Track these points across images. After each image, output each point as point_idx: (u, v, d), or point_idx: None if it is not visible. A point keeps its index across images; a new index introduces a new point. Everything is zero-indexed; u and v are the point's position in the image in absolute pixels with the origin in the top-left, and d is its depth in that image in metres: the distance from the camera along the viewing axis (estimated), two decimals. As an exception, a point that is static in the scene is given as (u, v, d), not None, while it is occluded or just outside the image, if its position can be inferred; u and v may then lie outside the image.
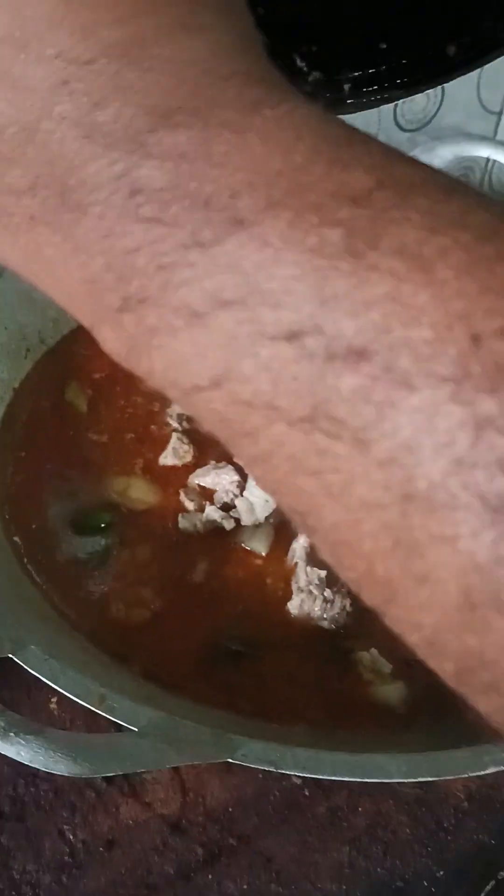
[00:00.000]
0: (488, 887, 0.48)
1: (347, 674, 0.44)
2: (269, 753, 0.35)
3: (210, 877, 0.45)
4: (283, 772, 0.35)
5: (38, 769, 0.48)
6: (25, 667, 0.38)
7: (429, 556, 0.16)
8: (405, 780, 0.35)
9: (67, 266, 0.20)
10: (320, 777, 0.35)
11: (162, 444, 0.53)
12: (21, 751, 0.31)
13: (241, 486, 0.49)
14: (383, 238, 0.16)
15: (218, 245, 0.18)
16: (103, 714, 0.37)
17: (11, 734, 0.32)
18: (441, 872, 0.46)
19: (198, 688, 0.41)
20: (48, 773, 0.48)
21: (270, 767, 0.35)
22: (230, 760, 0.35)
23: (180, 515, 0.49)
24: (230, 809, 0.48)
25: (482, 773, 0.35)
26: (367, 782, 0.47)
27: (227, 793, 0.48)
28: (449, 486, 0.15)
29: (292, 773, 0.35)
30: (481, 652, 0.16)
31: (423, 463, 0.15)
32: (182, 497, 0.50)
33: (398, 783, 0.48)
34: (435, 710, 0.42)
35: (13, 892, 0.45)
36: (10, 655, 0.38)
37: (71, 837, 0.46)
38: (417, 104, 0.75)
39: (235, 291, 0.18)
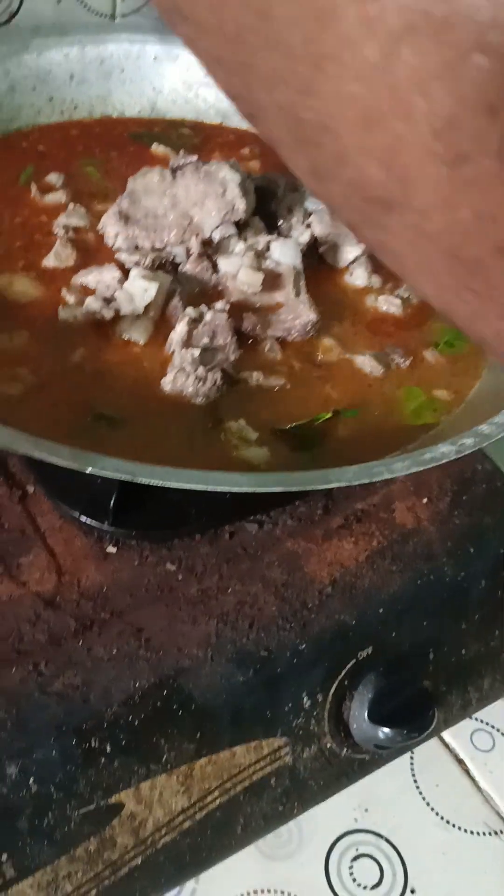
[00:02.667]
0: (349, 664, 0.50)
1: (216, 441, 0.45)
2: (126, 466, 0.37)
3: (80, 643, 0.46)
4: (139, 480, 0.36)
5: None
6: None
7: None
8: (253, 490, 0.37)
9: None
10: (175, 485, 0.37)
11: (47, 250, 0.54)
12: None
13: (122, 283, 0.50)
14: None
15: None
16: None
17: None
18: (304, 646, 0.49)
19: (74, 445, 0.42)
20: None
21: (128, 477, 0.36)
22: (89, 471, 0.36)
23: (60, 307, 0.50)
24: (104, 589, 0.49)
25: (324, 487, 0.37)
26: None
27: (103, 576, 0.49)
28: None
29: (148, 481, 0.36)
30: None
31: None
32: (63, 293, 0.51)
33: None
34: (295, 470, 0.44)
35: None
36: None
37: None
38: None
39: None
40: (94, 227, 0.56)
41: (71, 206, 0.57)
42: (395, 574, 0.52)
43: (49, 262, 0.53)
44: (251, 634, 0.48)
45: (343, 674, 0.50)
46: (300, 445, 0.45)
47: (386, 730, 0.49)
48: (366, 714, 0.49)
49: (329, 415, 0.46)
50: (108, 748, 0.43)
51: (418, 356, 0.52)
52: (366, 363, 0.50)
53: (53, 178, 0.60)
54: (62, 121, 0.66)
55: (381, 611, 0.51)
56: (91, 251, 0.54)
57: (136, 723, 0.44)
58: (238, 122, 0.69)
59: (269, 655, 0.47)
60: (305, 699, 0.49)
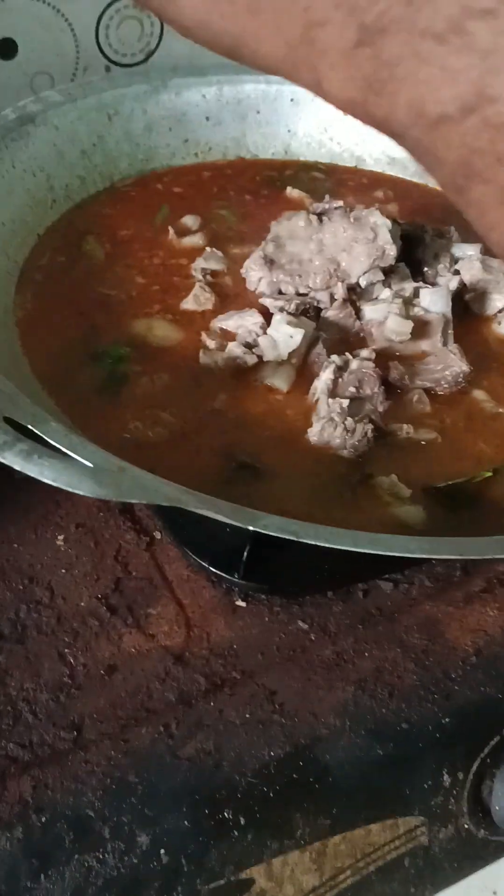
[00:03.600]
0: (493, 741, 0.47)
1: (366, 496, 0.43)
2: (290, 525, 0.35)
3: (212, 704, 0.44)
4: (304, 541, 0.34)
5: (41, 598, 0.47)
6: (45, 437, 0.37)
7: None
8: (426, 557, 0.34)
9: (290, 14, 0.19)
10: (340, 546, 0.34)
11: (185, 293, 0.53)
12: (44, 470, 0.30)
13: (264, 328, 0.49)
14: None
15: None
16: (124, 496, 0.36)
17: (35, 456, 0.31)
18: (447, 720, 0.45)
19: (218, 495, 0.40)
20: (51, 600, 0.47)
21: (292, 537, 0.34)
22: (250, 529, 0.34)
23: (201, 352, 0.49)
24: (234, 647, 0.47)
25: (501, 556, 0.34)
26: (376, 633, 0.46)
27: (232, 632, 0.47)
28: None
29: (312, 542, 0.34)
30: None
31: None
32: (204, 337, 0.50)
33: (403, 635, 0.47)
34: (453, 533, 0.41)
35: (9, 708, 0.43)
36: (31, 426, 0.37)
37: (71, 660, 0.45)
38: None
39: None
40: (232, 271, 0.55)
41: (208, 249, 0.56)
42: (543, 647, 0.48)
43: (188, 305, 0.52)
44: (391, 704, 0.45)
45: (486, 751, 0.46)
46: (456, 505, 0.42)
47: (534, 814, 0.45)
48: (511, 797, 0.45)
49: (489, 473, 0.43)
50: (241, 820, 0.41)
51: None
52: (520, 419, 0.48)
53: (189, 220, 0.59)
54: (196, 162, 0.66)
55: (527, 685, 0.47)
56: (230, 295, 0.53)
57: (271, 794, 0.41)
58: (372, 165, 0.68)
59: (410, 728, 0.44)
60: (446, 777, 0.46)
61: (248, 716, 0.44)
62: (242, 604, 0.48)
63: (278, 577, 0.49)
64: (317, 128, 0.68)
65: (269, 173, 0.66)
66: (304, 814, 0.42)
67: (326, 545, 0.34)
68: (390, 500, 0.42)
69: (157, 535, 0.51)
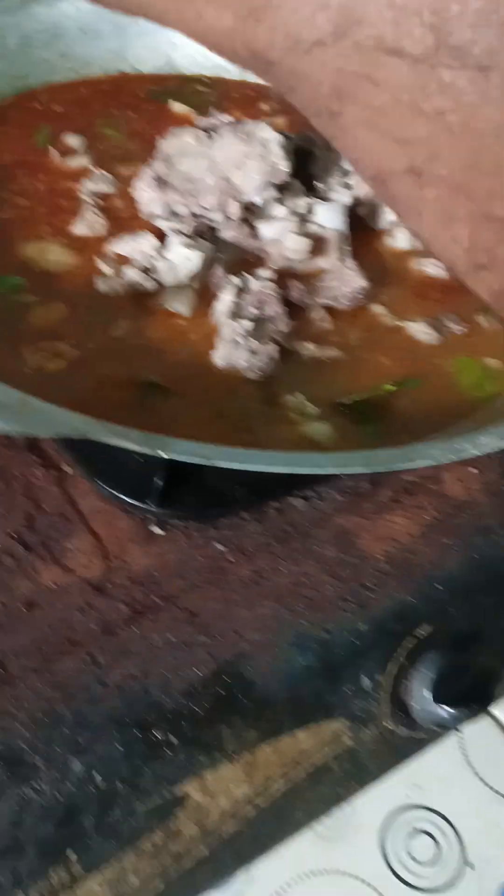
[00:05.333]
0: (408, 644, 0.49)
1: (275, 416, 0.43)
2: (201, 449, 0.34)
3: (135, 631, 0.44)
4: (217, 464, 0.34)
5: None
6: None
7: None
8: (337, 472, 0.35)
9: None
10: (254, 468, 0.34)
11: (74, 217, 0.51)
12: None
13: (161, 251, 0.48)
14: None
15: None
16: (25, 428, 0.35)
17: None
18: (364, 626, 0.47)
19: (125, 423, 0.40)
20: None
21: (203, 461, 0.34)
22: (161, 455, 0.34)
23: (98, 278, 0.47)
24: (154, 573, 0.47)
25: (410, 466, 0.35)
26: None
27: (151, 559, 0.47)
28: None
29: (226, 465, 0.34)
30: None
31: None
32: (98, 263, 0.48)
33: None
34: (362, 447, 0.42)
35: None
36: None
37: (-12, 601, 0.45)
38: None
39: None
40: (122, 192, 0.53)
41: (95, 170, 0.54)
42: (451, 549, 0.51)
43: (80, 230, 0.50)
44: (309, 616, 0.46)
45: (401, 653, 0.48)
46: (363, 420, 0.43)
47: (449, 709, 0.48)
48: (428, 694, 0.48)
49: (393, 387, 0.44)
50: (172, 739, 0.42)
51: (472, 322, 0.50)
52: (419, 331, 0.48)
53: (72, 140, 0.57)
54: (75, 79, 0.63)
55: (438, 587, 0.49)
56: (123, 218, 0.52)
57: (199, 711, 0.42)
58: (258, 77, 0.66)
59: (329, 637, 0.46)
60: (365, 680, 0.47)
61: (172, 639, 0.44)
62: (159, 531, 0.49)
63: (192, 502, 0.49)
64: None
65: (153, 88, 0.64)
66: (231, 727, 0.43)
67: (240, 467, 0.34)
68: (298, 419, 0.42)
69: (68, 469, 0.50)
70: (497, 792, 0.55)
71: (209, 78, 0.65)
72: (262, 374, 0.44)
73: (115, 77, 0.64)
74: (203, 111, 0.61)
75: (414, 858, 0.52)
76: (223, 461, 0.34)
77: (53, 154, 0.55)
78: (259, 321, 0.45)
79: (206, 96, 0.63)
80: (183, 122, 0.59)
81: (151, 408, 0.42)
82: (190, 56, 0.65)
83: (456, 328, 0.49)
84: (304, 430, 0.42)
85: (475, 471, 0.54)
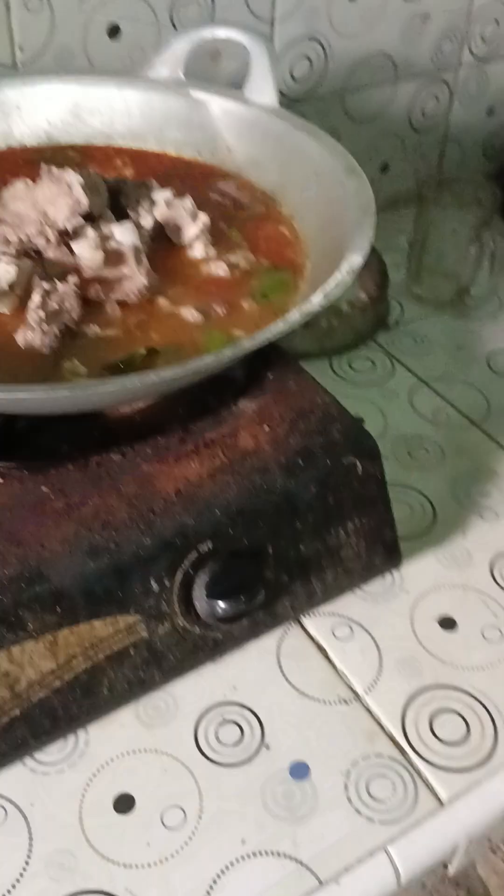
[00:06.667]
0: (190, 556, 0.62)
1: (55, 378, 0.58)
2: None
3: (-36, 547, 0.59)
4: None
5: None
6: None
7: None
8: (45, 395, 0.49)
9: None
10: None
11: None
12: None
13: (-8, 267, 0.64)
14: None
15: None
16: None
17: None
18: (148, 541, 0.60)
19: None
20: None
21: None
22: None
23: None
24: (-13, 509, 0.61)
25: (103, 389, 0.49)
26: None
27: (-13, 499, 0.62)
28: None
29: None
30: None
31: None
32: None
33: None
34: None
35: None
36: None
37: None
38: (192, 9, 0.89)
39: None
40: (-17, 233, 0.69)
41: (-35, 218, 0.71)
42: (232, 485, 0.63)
43: None
44: (103, 533, 0.60)
45: (186, 564, 0.61)
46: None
47: (221, 603, 0.60)
48: (204, 592, 0.60)
49: (144, 351, 0.58)
50: (-18, 620, 0.55)
51: (236, 306, 0.64)
52: (188, 313, 0.63)
53: (-44, 198, 0.74)
54: (-27, 155, 0.80)
55: (218, 513, 0.62)
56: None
57: (4, 600, 0.56)
58: (119, 141, 0.83)
59: (118, 548, 0.59)
60: (153, 583, 0.60)
61: (-11, 553, 0.58)
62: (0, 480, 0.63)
63: (26, 456, 0.63)
64: (70, 115, 0.83)
65: (33, 157, 0.81)
66: (33, 613, 0.57)
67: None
68: (69, 378, 0.57)
69: None
70: (297, 689, 0.67)
71: (80, 145, 0.82)
72: (51, 349, 0.59)
73: (4, 151, 0.81)
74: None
75: (220, 741, 0.64)
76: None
77: None
78: (55, 312, 0.60)
79: (73, 158, 0.80)
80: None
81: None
82: (64, 130, 0.83)
83: (220, 310, 0.63)
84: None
85: (267, 428, 0.67)
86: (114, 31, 0.90)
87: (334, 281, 0.58)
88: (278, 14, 0.99)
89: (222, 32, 0.80)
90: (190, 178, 0.79)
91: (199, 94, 0.80)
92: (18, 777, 0.61)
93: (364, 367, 1.01)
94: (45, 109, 0.82)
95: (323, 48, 1.04)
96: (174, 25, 0.93)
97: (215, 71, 0.98)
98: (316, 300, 0.57)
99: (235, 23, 0.93)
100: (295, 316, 0.55)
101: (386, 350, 1.04)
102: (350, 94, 1.11)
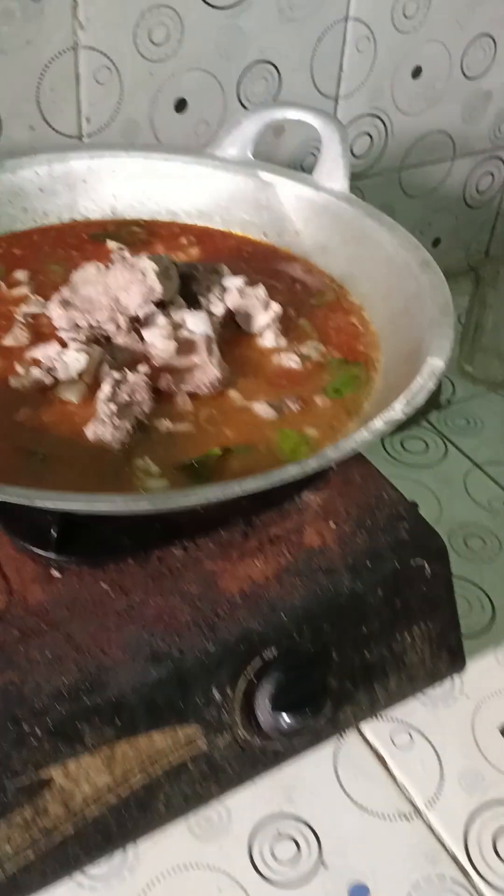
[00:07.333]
0: (255, 663, 0.59)
1: (125, 476, 0.56)
2: (29, 493, 0.47)
3: (21, 648, 0.56)
4: (39, 504, 0.47)
5: None
6: None
7: None
8: (126, 508, 0.47)
9: None
10: (74, 506, 0.47)
11: (6, 333, 0.66)
12: None
13: (60, 354, 0.62)
14: None
15: None
16: None
17: None
18: (212, 647, 0.58)
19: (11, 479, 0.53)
20: None
21: (26, 501, 0.47)
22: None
23: (11, 377, 0.62)
24: (46, 607, 0.59)
25: (185, 502, 0.47)
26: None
27: (46, 595, 0.59)
28: None
29: (43, 504, 0.47)
30: None
31: None
32: (16, 365, 0.63)
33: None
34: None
35: None
36: None
37: None
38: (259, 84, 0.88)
39: None
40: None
41: (31, 296, 0.69)
42: (298, 586, 0.61)
43: (7, 341, 0.65)
44: (166, 638, 0.57)
45: (250, 671, 0.58)
46: (196, 478, 0.55)
47: (286, 716, 0.57)
48: (268, 703, 0.58)
49: (218, 451, 0.56)
50: (38, 731, 0.52)
51: (309, 401, 0.62)
52: (261, 409, 0.61)
53: (20, 274, 0.73)
54: (35, 227, 0.79)
55: (284, 616, 0.59)
56: (45, 333, 0.66)
57: (63, 711, 0.53)
58: (184, 218, 0.82)
59: (181, 655, 0.56)
60: (215, 692, 0.58)
61: (48, 655, 0.56)
62: (57, 574, 0.61)
63: (86, 551, 0.61)
64: (138, 191, 0.82)
65: (96, 231, 0.80)
66: (90, 724, 0.54)
67: (55, 507, 0.47)
68: (142, 477, 0.55)
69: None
70: (356, 802, 0.64)
71: (144, 221, 0.81)
72: (122, 444, 0.57)
73: (68, 224, 0.80)
74: (135, 247, 0.77)
75: (276, 858, 0.61)
76: (44, 502, 0.47)
77: (1, 286, 0.71)
78: (127, 404, 0.58)
79: (138, 235, 0.79)
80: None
81: (36, 470, 0.56)
82: (129, 205, 0.82)
83: (294, 406, 0.61)
84: (144, 485, 0.54)
85: (333, 524, 0.65)
86: (181, 105, 0.90)
87: (417, 386, 0.56)
88: (343, 91, 0.98)
89: (293, 114, 0.79)
90: (255, 259, 0.77)
91: (267, 176, 0.79)
92: (65, 892, 0.57)
93: (417, 447, 0.99)
94: (111, 183, 0.81)
95: (384, 125, 1.04)
96: (240, 100, 0.92)
97: (277, 145, 0.97)
98: (399, 407, 0.55)
99: (303, 101, 0.92)
100: (379, 425, 0.53)
101: (438, 431, 1.02)
102: (406, 170, 1.10)
